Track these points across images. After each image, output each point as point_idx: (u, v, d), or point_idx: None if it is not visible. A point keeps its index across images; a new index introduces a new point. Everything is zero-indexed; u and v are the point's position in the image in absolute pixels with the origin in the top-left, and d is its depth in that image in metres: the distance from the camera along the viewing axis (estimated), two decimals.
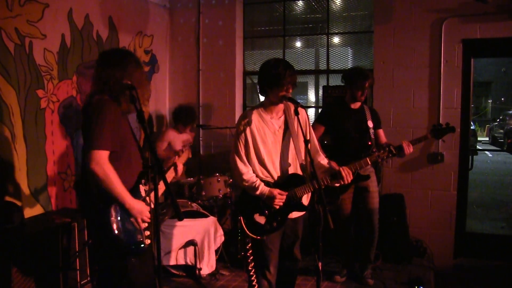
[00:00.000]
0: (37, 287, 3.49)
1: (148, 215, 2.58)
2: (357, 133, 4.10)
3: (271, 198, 3.00)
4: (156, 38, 5.84)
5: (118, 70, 2.58)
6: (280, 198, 3.00)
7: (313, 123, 4.22)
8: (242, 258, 4.57)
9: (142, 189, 2.62)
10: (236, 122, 3.34)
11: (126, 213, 2.52)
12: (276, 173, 3.09)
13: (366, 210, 4.22)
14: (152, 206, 2.59)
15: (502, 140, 16.75)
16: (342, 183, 3.03)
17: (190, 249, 4.38)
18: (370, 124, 4.12)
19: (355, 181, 3.97)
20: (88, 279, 4.11)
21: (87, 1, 4.67)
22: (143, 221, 2.57)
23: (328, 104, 4.99)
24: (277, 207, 3.03)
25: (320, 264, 2.75)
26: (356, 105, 4.19)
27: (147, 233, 2.61)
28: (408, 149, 3.70)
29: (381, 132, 4.27)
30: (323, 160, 3.20)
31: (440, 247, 5.07)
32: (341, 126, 4.13)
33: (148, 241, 2.61)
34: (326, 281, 4.39)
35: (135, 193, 2.58)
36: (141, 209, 2.55)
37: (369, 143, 4.06)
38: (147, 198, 2.63)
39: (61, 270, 3.66)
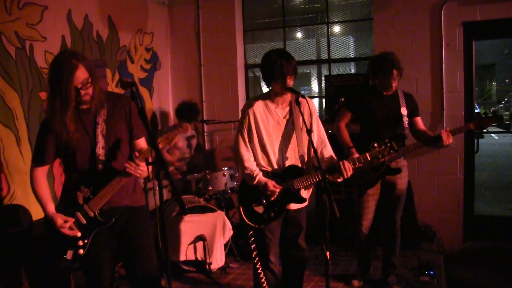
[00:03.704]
0: None
1: (67, 231, 2.56)
2: (387, 121, 3.68)
3: (266, 189, 3.01)
4: (156, 35, 5.84)
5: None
6: (273, 190, 2.99)
7: (342, 108, 3.94)
8: (250, 251, 4.58)
9: (81, 196, 2.59)
10: (240, 114, 3.35)
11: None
12: (275, 162, 3.11)
13: (388, 210, 3.85)
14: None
15: (508, 122, 16.65)
16: (343, 177, 2.96)
17: (200, 244, 4.40)
18: (403, 111, 3.68)
19: (383, 174, 3.70)
20: None
21: (85, 2, 4.68)
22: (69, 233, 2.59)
23: (358, 88, 4.70)
24: (272, 199, 3.03)
25: (328, 253, 2.76)
26: (389, 92, 3.73)
27: (80, 243, 2.61)
28: (448, 140, 3.43)
29: (418, 120, 3.80)
30: (327, 153, 3.16)
31: (449, 231, 5.07)
32: (370, 113, 3.70)
33: (81, 251, 2.61)
34: (342, 284, 4.11)
35: (73, 200, 2.60)
36: (59, 225, 2.55)
37: (403, 132, 3.66)
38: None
39: (71, 271, 3.69)
